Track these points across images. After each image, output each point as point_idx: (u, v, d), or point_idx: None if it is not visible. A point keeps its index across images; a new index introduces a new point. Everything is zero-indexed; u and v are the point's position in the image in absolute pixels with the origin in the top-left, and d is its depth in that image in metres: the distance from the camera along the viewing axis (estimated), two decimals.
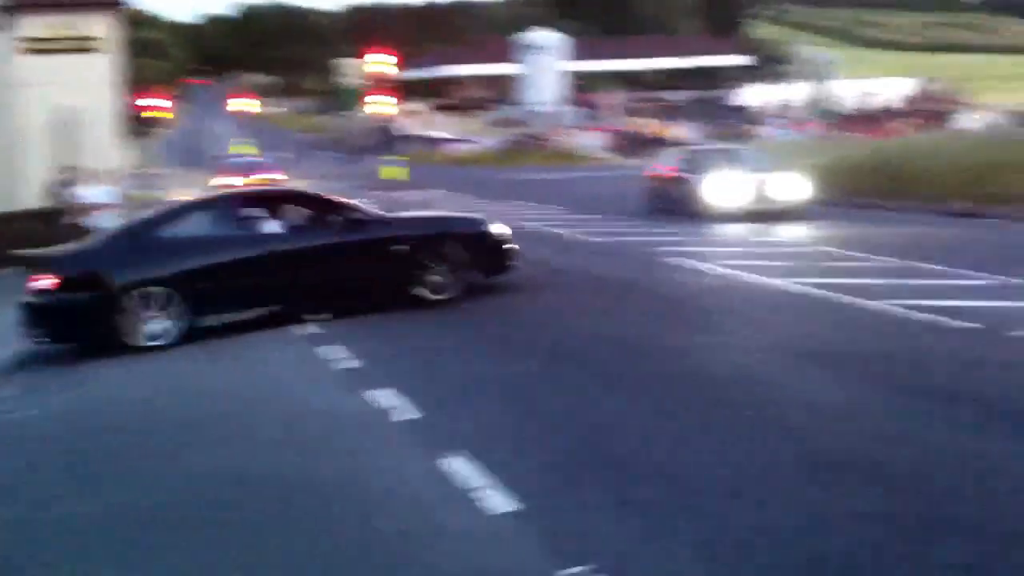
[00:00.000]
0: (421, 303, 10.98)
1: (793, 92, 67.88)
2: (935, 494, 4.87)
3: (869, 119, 56.69)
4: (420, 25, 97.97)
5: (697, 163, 20.73)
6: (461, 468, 5.54)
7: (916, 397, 6.61)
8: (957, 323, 8.72)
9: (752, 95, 72.01)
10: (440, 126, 66.25)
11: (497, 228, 11.95)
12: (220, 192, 14.69)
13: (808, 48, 78.13)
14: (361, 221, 11.20)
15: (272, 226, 11.05)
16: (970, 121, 54.16)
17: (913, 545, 4.30)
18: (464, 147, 57.11)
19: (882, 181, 23.20)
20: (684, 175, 20.34)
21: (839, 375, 7.31)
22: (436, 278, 11.15)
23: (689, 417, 6.42)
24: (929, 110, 59.78)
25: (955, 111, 59.44)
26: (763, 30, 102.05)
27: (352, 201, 11.89)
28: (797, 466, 5.36)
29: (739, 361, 7.87)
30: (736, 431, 6.05)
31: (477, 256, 11.46)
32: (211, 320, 10.51)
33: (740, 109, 67.18)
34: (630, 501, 4.98)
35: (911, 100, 65.64)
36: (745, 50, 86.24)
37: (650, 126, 56.56)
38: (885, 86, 70.09)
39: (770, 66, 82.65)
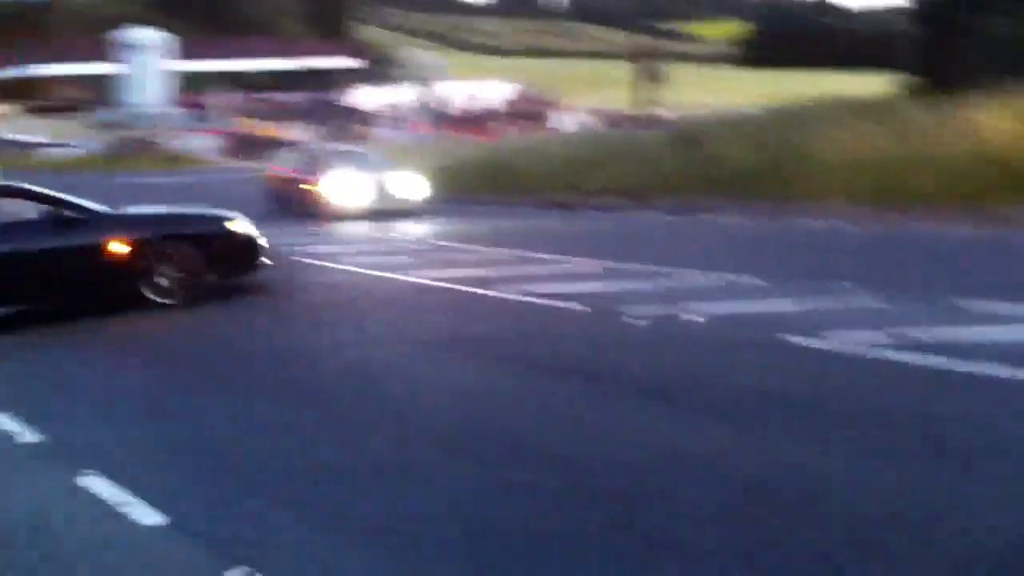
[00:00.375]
0: (139, 307, 10.30)
1: (403, 94, 69.56)
2: (576, 465, 5.22)
3: (475, 120, 59.25)
4: (4, 22, 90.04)
5: (316, 164, 20.81)
6: (97, 487, 5.24)
7: (545, 376, 7.07)
8: (571, 306, 9.41)
9: (364, 97, 72.92)
10: (32, 129, 61.38)
11: (240, 225, 11.23)
12: None
13: (416, 52, 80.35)
14: (81, 219, 10.35)
15: None
16: (564, 122, 58.22)
17: (561, 513, 4.61)
18: (62, 151, 53.35)
19: (491, 179, 24.49)
20: (304, 176, 20.34)
21: (473, 360, 7.66)
22: (161, 281, 10.45)
23: (338, 414, 6.46)
24: (528, 112, 63.50)
25: (551, 112, 63.60)
26: (371, 33, 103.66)
27: (73, 197, 10.93)
28: (450, 446, 5.56)
29: (380, 355, 8.03)
30: (387, 421, 6.17)
31: (213, 256, 10.72)
32: None
33: (353, 111, 67.80)
34: (285, 503, 4.94)
35: (511, 102, 69.35)
36: (355, 53, 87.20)
37: (263, 127, 55.80)
38: (487, 89, 73.51)
39: (380, 69, 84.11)
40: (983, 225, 13.64)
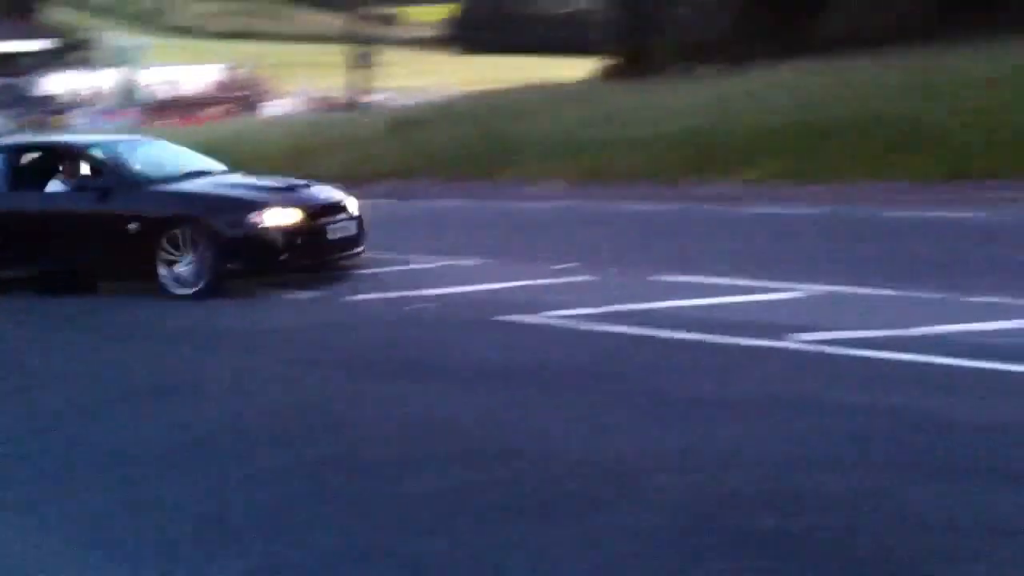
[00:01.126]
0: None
1: (100, 80, 66.05)
2: (343, 437, 5.57)
3: (181, 106, 57.29)
4: None
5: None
6: None
7: (292, 363, 7.35)
8: (303, 295, 9.69)
9: (57, 83, 68.66)
10: None
11: (274, 215, 9.85)
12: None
13: (114, 34, 76.40)
14: (110, 188, 10.04)
15: (52, 184, 10.40)
16: (276, 106, 57.34)
17: (336, 479, 4.91)
18: None
19: None
20: None
21: (220, 352, 7.82)
22: (178, 267, 9.70)
23: (120, 405, 6.51)
24: (238, 96, 62.05)
25: (262, 97, 62.45)
26: (62, 15, 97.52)
27: (124, 160, 10.47)
28: (228, 435, 5.73)
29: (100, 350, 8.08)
30: (170, 410, 6.31)
31: (230, 247, 9.69)
32: None
33: (46, 98, 63.81)
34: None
35: (220, 86, 67.46)
36: (44, 35, 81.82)
37: None
38: (192, 73, 71.02)
39: (73, 52, 79.36)
40: (675, 201, 14.89)
